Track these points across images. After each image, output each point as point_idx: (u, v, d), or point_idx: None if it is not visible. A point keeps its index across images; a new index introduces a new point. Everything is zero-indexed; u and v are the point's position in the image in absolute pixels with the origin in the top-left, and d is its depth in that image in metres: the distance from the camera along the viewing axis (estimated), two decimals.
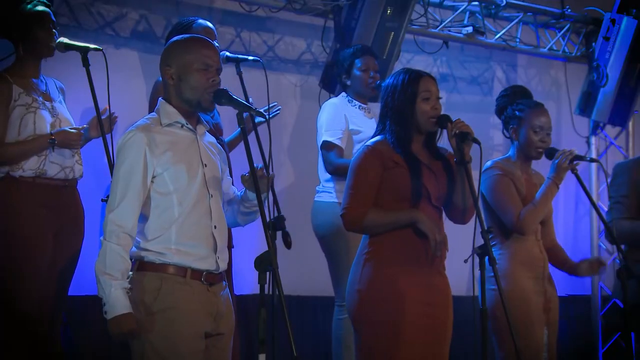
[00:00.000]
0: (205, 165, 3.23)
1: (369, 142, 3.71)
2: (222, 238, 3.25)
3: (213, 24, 4.58)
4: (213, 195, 3.23)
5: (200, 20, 4.54)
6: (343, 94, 5.16)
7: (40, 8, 4.24)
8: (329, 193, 5.00)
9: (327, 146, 4.95)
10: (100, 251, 3.07)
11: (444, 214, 3.79)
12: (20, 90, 4.17)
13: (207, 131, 3.35)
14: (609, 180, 5.26)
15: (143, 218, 3.15)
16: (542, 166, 4.53)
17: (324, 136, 4.97)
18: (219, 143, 3.80)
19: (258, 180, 3.12)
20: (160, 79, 3.39)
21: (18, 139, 4.13)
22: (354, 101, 5.11)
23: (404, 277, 3.58)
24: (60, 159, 4.21)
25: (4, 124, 4.12)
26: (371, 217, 3.60)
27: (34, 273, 4.10)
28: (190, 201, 3.16)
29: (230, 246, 4.42)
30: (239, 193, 3.40)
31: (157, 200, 3.14)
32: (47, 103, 4.24)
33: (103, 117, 4.17)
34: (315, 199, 5.07)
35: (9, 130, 4.13)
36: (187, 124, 3.23)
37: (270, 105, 4.46)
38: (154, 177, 3.14)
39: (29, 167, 4.15)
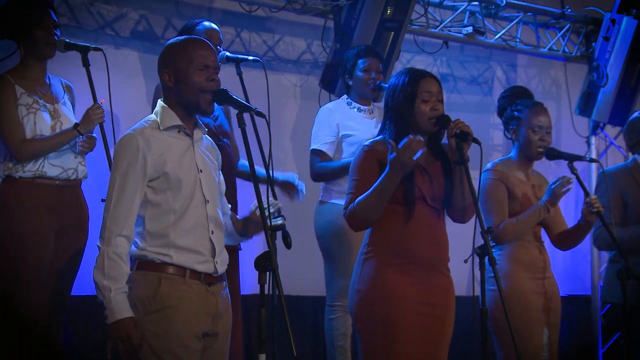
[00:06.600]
0: (201, 171, 3.22)
1: (367, 142, 3.71)
2: (220, 243, 3.24)
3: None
4: (209, 200, 3.22)
5: (205, 22, 4.54)
6: (344, 96, 5.15)
7: (39, 8, 4.20)
8: (329, 193, 5.01)
9: (312, 153, 5.01)
10: (98, 256, 3.05)
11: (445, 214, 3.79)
12: (22, 91, 4.16)
13: (207, 133, 3.35)
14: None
15: (141, 221, 3.14)
16: (542, 166, 4.53)
17: (311, 145, 5.03)
18: (219, 145, 3.79)
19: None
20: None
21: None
22: (354, 103, 5.09)
23: (403, 276, 3.58)
24: (61, 161, 4.20)
25: (18, 121, 4.10)
26: (360, 199, 3.53)
27: (34, 273, 4.10)
28: (187, 206, 3.15)
29: (237, 248, 4.43)
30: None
31: (153, 204, 3.14)
32: (49, 105, 4.23)
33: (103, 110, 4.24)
34: (319, 198, 5.09)
35: None
36: (184, 128, 3.22)
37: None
38: (150, 180, 3.13)
39: (28, 168, 4.14)
